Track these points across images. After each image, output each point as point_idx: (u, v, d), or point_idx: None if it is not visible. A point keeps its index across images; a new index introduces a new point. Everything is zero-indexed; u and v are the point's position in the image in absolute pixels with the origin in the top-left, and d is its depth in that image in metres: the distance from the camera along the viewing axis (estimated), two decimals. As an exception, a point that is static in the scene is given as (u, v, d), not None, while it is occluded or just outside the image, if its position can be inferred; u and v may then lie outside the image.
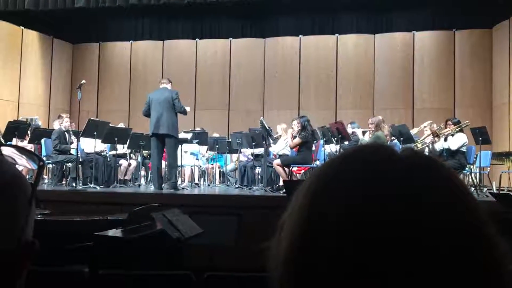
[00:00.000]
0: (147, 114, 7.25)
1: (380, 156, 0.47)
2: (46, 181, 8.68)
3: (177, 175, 7.77)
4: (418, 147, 7.34)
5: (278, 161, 7.52)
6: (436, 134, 7.36)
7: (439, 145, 7.28)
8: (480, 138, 7.57)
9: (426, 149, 7.37)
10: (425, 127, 8.17)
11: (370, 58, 11.63)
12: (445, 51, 11.31)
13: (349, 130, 8.19)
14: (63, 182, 8.35)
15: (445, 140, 7.31)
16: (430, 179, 0.45)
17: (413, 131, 8.28)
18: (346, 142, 7.60)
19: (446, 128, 7.50)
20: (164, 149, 7.30)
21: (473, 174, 7.93)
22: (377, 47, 11.62)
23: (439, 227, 0.42)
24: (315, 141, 8.10)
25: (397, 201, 0.43)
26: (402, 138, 7.47)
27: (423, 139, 7.71)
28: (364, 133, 8.00)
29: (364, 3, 11.30)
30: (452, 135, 7.29)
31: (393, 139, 7.68)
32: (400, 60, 11.52)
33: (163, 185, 7.17)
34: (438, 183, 0.45)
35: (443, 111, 10.57)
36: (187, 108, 7.42)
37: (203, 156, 9.79)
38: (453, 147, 7.12)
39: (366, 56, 11.64)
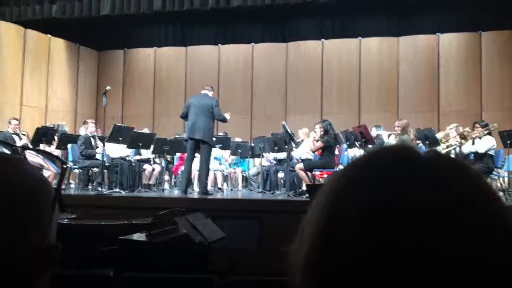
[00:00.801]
0: (184, 116, 7.32)
1: (403, 158, 0.45)
2: (72, 186, 8.84)
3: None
4: (444, 150, 7.22)
5: (300, 165, 7.49)
6: (462, 136, 7.22)
7: (467, 148, 7.14)
8: (509, 141, 7.39)
9: (453, 152, 7.24)
10: (450, 129, 8.03)
11: (394, 61, 11.50)
12: (471, 53, 11.10)
13: (374, 133, 8.10)
14: (89, 186, 8.49)
15: (473, 143, 7.17)
16: (456, 182, 0.43)
17: (439, 135, 8.14)
18: (370, 146, 7.52)
19: (473, 130, 7.35)
20: (196, 154, 7.33)
21: (501, 179, 7.75)
22: (401, 49, 11.49)
23: (465, 233, 0.40)
24: (338, 145, 8.04)
25: (421, 205, 0.41)
26: (427, 142, 7.36)
27: (449, 141, 7.57)
28: (389, 136, 7.91)
29: (387, 5, 11.19)
30: (480, 138, 7.15)
31: (419, 143, 7.57)
32: (424, 62, 11.36)
33: (190, 189, 7.21)
34: (464, 186, 0.43)
35: (470, 114, 10.36)
36: (227, 116, 7.47)
37: (226, 160, 9.82)
38: (481, 150, 6.97)
39: (389, 59, 11.52)
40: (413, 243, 0.40)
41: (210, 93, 7.45)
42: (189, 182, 7.22)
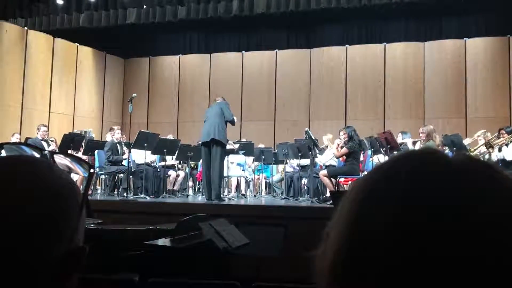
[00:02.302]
0: None
1: (431, 162, 0.44)
2: (99, 191, 8.97)
3: (222, 185, 7.81)
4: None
5: (324, 171, 7.44)
6: (489, 145, 7.06)
7: (493, 155, 6.98)
8: (538, 148, 7.19)
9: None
10: (478, 136, 7.86)
11: (419, 67, 11.36)
12: (499, 58, 10.87)
13: (400, 140, 7.99)
14: (115, 192, 8.61)
15: (499, 150, 7.00)
16: (486, 186, 0.42)
17: (466, 141, 7.98)
18: (395, 152, 7.42)
19: (499, 137, 7.18)
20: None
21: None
22: (426, 55, 11.34)
23: (496, 241, 0.39)
24: (362, 152, 7.96)
25: (450, 210, 0.40)
26: (454, 148, 7.22)
27: (477, 148, 7.41)
28: (414, 143, 7.79)
29: (412, 10, 11.07)
30: (507, 144, 6.97)
31: (445, 149, 7.43)
32: (451, 68, 11.18)
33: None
34: (495, 191, 0.42)
35: (498, 120, 10.12)
36: (235, 118, 7.50)
37: (249, 167, 9.83)
38: (508, 157, 6.81)
39: (415, 64, 11.38)
40: (443, 251, 0.39)
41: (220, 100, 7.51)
42: (211, 188, 7.22)
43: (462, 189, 0.41)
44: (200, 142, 7.34)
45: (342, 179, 7.51)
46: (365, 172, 7.59)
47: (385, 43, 11.62)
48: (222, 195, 7.37)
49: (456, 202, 0.40)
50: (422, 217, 0.40)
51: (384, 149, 7.24)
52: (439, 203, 0.41)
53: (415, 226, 0.40)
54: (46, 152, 0.65)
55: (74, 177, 0.63)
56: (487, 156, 7.09)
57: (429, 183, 0.42)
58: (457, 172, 0.43)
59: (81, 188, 0.61)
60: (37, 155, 0.65)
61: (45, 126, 8.74)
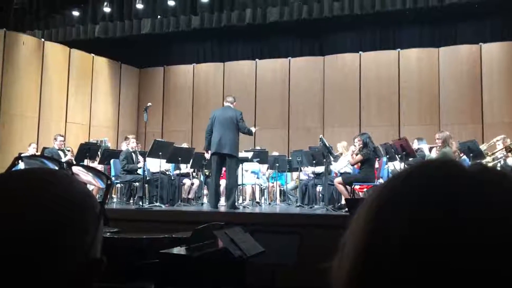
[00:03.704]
0: (210, 130, 7.35)
1: (447, 172, 0.44)
2: (114, 200, 9.04)
3: (237, 194, 7.81)
4: (489, 163, 6.97)
5: (339, 179, 7.40)
6: (509, 149, 6.96)
7: (511, 161, 6.88)
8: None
9: (498, 165, 6.98)
10: (497, 141, 7.75)
11: (434, 72, 11.27)
12: (516, 62, 10.74)
13: (416, 146, 7.91)
14: (131, 201, 8.67)
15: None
16: (505, 197, 0.41)
17: (483, 147, 7.88)
18: (411, 159, 7.35)
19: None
20: (224, 168, 7.37)
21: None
22: (441, 60, 11.25)
23: None
24: (377, 158, 7.90)
25: (467, 223, 0.40)
26: (471, 155, 7.12)
27: (495, 152, 7.31)
28: (430, 149, 7.71)
29: (426, 16, 11.01)
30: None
31: (462, 156, 7.34)
32: (466, 73, 11.07)
33: (219, 204, 7.23)
34: None
35: (515, 125, 10.00)
36: (253, 129, 7.49)
37: (263, 174, 9.82)
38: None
39: (430, 70, 11.30)
40: (459, 263, 0.39)
41: (232, 105, 7.42)
42: (218, 197, 7.23)
43: (479, 200, 0.41)
44: (210, 152, 7.27)
45: (357, 186, 7.46)
46: (381, 179, 7.53)
47: (399, 49, 11.56)
48: (236, 203, 7.37)
49: (474, 214, 0.40)
50: (440, 228, 0.40)
51: (399, 155, 7.17)
52: (457, 214, 0.40)
53: (431, 237, 0.40)
54: (63, 162, 0.66)
55: (90, 186, 0.64)
56: (503, 162, 6.99)
57: (446, 193, 0.42)
58: (474, 183, 0.42)
59: (96, 197, 0.62)
60: (55, 167, 0.66)
61: (62, 136, 8.84)
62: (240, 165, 8.03)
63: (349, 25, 11.50)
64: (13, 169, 0.61)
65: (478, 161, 6.90)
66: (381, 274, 0.41)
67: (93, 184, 0.66)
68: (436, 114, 11.15)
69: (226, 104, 7.48)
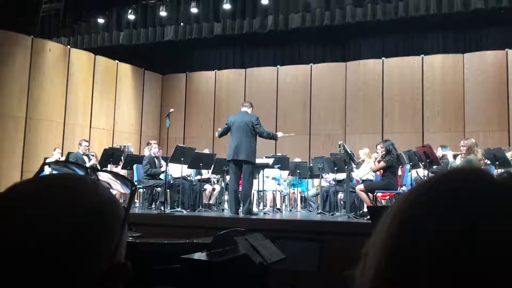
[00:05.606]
0: (223, 134, 7.33)
1: (474, 180, 0.43)
2: (137, 204, 9.13)
3: (256, 200, 7.78)
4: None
5: (361, 186, 7.33)
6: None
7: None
8: None
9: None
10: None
11: (459, 79, 11.09)
12: (544, 68, 10.50)
13: (440, 154, 7.79)
14: (153, 206, 8.74)
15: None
16: None
17: (509, 155, 7.70)
18: (435, 167, 7.23)
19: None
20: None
21: None
22: (466, 66, 11.07)
23: None
24: (401, 166, 7.80)
25: (495, 233, 0.39)
26: (497, 162, 6.97)
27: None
28: (455, 156, 7.58)
29: (450, 21, 10.86)
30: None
31: (488, 163, 7.19)
32: (492, 79, 10.86)
33: (240, 210, 7.22)
34: None
35: (544, 132, 9.75)
36: (279, 134, 7.45)
37: (284, 181, 9.79)
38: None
39: (454, 76, 11.13)
40: (487, 274, 0.38)
41: (249, 110, 7.32)
42: (238, 203, 7.21)
43: (506, 209, 0.40)
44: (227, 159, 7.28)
45: (379, 194, 7.37)
46: (404, 187, 7.42)
47: (422, 55, 11.43)
48: (252, 209, 7.33)
49: (502, 228, 0.39)
50: (466, 241, 0.39)
51: (423, 163, 7.07)
52: (483, 228, 0.40)
53: (458, 251, 0.39)
54: (88, 167, 0.68)
55: (112, 191, 0.65)
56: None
57: (472, 201, 0.41)
58: (502, 195, 0.42)
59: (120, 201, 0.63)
60: (81, 172, 0.67)
61: (87, 141, 8.99)
62: (261, 171, 8.01)
63: (372, 31, 11.43)
64: (40, 174, 0.63)
65: (506, 169, 6.75)
66: (405, 282, 0.41)
67: (121, 191, 0.67)
68: (461, 121, 10.96)
69: (243, 109, 7.39)
